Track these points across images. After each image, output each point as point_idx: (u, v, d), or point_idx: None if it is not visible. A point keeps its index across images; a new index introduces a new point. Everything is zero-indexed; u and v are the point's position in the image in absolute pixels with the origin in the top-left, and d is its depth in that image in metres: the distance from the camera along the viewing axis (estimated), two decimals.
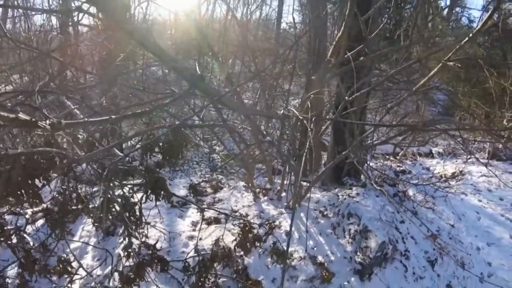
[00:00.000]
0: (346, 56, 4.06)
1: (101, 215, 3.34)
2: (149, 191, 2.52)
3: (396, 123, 5.52)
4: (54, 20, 9.17)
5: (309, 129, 2.96)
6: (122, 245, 3.88)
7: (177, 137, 2.56)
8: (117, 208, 3.13)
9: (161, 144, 2.65)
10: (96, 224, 3.76)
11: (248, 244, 3.40)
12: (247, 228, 3.35)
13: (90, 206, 3.32)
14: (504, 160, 8.52)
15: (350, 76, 4.38)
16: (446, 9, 14.08)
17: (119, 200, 2.74)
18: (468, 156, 7.24)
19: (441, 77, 9.04)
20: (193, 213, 4.48)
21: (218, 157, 7.14)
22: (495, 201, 6.39)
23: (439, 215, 5.07)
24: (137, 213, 2.57)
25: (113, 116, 2.34)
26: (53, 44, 6.45)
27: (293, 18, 21.66)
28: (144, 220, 2.97)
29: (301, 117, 3.26)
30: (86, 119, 1.96)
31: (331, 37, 5.57)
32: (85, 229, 4.44)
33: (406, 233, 4.30)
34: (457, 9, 14.57)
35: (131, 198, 2.76)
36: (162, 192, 2.55)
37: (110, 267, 3.55)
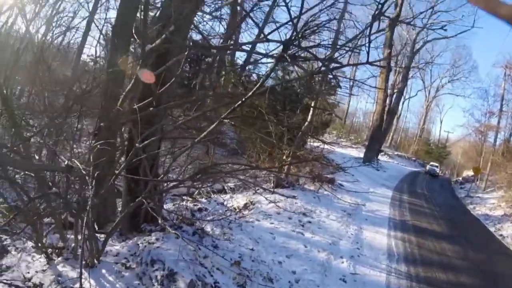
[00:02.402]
0: (137, 105, 4.06)
1: None
2: None
3: (187, 166, 5.81)
4: None
5: (89, 186, 2.79)
6: None
7: None
8: None
9: None
10: None
11: None
12: None
13: None
14: (287, 186, 10.07)
15: (143, 122, 4.41)
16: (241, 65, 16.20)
17: None
18: (257, 188, 8.16)
19: (229, 123, 10.21)
20: None
21: None
22: (285, 221, 7.43)
23: (238, 243, 5.50)
24: None
25: None
26: None
27: (95, 51, 20.22)
28: None
29: (84, 173, 3.03)
30: None
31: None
32: None
33: (211, 266, 4.48)
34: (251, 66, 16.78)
35: None
36: None
37: None
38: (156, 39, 4.10)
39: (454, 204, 18.58)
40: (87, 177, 3.07)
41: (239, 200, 8.02)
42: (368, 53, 3.52)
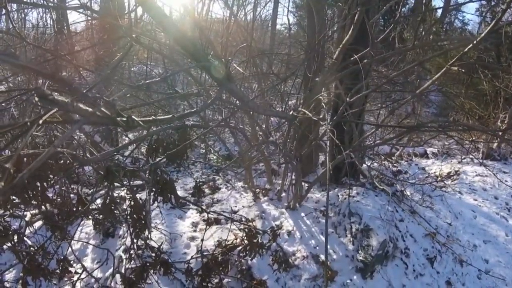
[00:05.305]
0: (352, 58, 4.03)
1: (102, 216, 3.31)
2: (157, 194, 2.47)
3: (395, 124, 5.57)
4: (48, 20, 9.02)
5: (325, 130, 2.92)
6: (123, 247, 3.87)
7: (182, 138, 2.55)
8: (120, 209, 3.11)
9: (165, 144, 2.63)
10: (97, 226, 3.72)
11: (253, 249, 3.37)
12: (252, 234, 3.31)
13: (90, 208, 3.28)
14: (498, 159, 8.61)
15: (350, 78, 4.41)
16: (441, 12, 14.18)
17: (127, 200, 2.69)
18: (463, 156, 7.29)
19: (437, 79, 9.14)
20: (192, 214, 4.45)
21: (215, 157, 7.09)
22: (490, 200, 6.47)
23: (437, 214, 5.12)
24: (144, 214, 2.53)
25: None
26: (48, 44, 6.38)
27: (288, 20, 21.61)
28: (150, 221, 2.93)
29: (316, 119, 3.24)
30: (154, 116, 1.85)
31: (331, 39, 5.57)
32: (83, 231, 4.39)
33: (405, 231, 4.35)
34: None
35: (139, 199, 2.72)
36: (171, 196, 2.51)
37: (111, 269, 3.53)
38: None
39: None
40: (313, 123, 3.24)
41: (442, 167, 7.36)
42: None
